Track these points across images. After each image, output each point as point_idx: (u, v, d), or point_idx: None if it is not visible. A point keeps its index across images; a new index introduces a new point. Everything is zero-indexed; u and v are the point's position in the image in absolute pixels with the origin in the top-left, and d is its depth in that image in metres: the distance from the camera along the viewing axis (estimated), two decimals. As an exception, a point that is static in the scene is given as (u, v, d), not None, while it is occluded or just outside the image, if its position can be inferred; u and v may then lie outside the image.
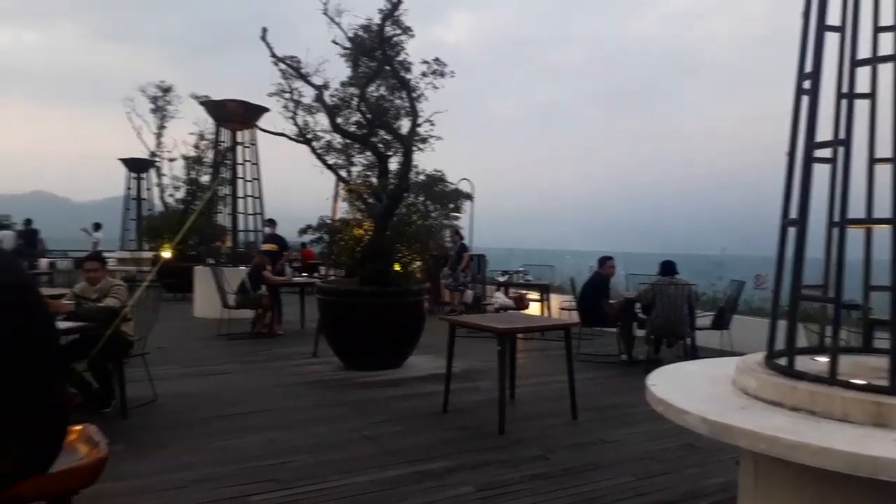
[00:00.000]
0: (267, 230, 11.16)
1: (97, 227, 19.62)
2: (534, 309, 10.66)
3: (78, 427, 1.90)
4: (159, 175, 18.53)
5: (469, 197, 9.23)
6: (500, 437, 4.61)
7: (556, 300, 10.82)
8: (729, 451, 4.12)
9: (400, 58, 7.47)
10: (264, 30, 7.31)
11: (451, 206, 8.38)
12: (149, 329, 5.70)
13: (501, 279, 11.23)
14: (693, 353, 7.25)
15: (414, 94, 7.48)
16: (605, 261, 8.18)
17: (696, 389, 2.27)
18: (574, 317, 8.40)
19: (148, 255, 17.99)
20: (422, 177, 7.84)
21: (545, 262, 13.45)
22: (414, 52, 7.78)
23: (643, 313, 7.72)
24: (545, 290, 10.80)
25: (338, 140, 8.22)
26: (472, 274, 11.47)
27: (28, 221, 19.12)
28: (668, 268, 7.47)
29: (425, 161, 8.06)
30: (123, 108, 18.29)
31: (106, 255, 10.31)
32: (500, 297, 10.16)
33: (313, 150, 7.91)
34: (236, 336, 9.12)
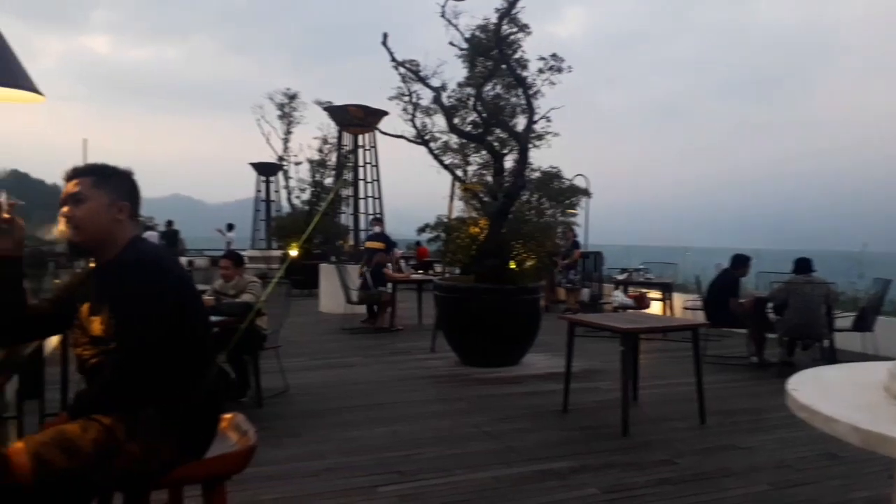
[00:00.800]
0: (377, 228, 11.45)
1: (230, 227, 20.95)
2: (655, 308, 10.32)
3: (228, 415, 2.05)
4: (286, 178, 19.51)
5: (586, 193, 9.06)
6: (624, 439, 4.51)
7: (678, 299, 10.42)
8: (878, 463, 3.82)
9: (516, 56, 7.47)
10: (385, 35, 7.52)
11: (567, 202, 8.26)
12: (281, 323, 6.04)
13: (620, 277, 10.95)
14: (831, 356, 6.77)
15: (530, 91, 7.45)
16: (745, 261, 7.74)
17: (844, 396, 2.12)
18: (700, 317, 8.05)
19: (277, 253, 19.02)
20: (537, 174, 7.79)
21: (666, 259, 12.97)
22: (529, 48, 7.76)
23: (775, 314, 7.28)
24: (667, 289, 10.43)
25: (454, 140, 8.34)
26: (588, 272, 11.25)
27: (169, 223, 20.73)
28: (803, 265, 7.00)
29: (541, 158, 8.02)
30: (253, 116, 19.41)
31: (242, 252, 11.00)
32: (619, 296, 9.91)
33: (431, 150, 8.06)
34: (358, 330, 9.47)
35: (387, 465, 3.95)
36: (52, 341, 5.56)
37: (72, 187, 1.88)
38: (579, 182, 11.90)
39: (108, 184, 1.92)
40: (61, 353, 4.13)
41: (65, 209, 1.86)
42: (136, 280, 1.77)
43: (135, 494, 1.80)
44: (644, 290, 10.41)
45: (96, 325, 1.83)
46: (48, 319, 2.01)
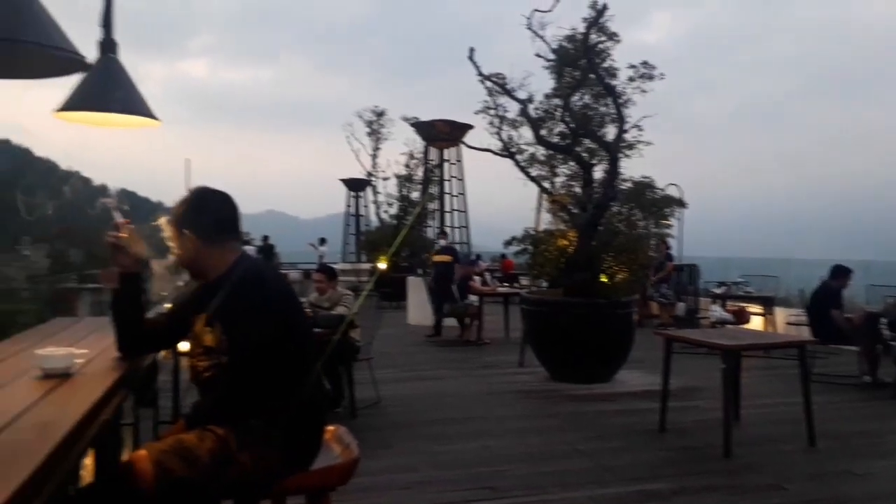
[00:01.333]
0: (443, 242, 11.44)
1: (322, 241, 21.58)
2: (756, 323, 9.84)
3: (331, 427, 2.08)
4: (375, 193, 19.92)
5: (680, 203, 8.77)
6: (727, 461, 4.30)
7: (781, 314, 9.90)
8: None
9: (605, 64, 7.35)
10: (471, 50, 7.57)
11: (660, 213, 8.02)
12: (372, 335, 6.14)
13: (718, 291, 10.51)
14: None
15: (620, 100, 7.30)
16: (845, 272, 7.29)
17: None
18: (805, 332, 7.61)
19: (366, 266, 19.42)
20: (628, 184, 7.60)
21: (767, 272, 12.36)
22: (618, 56, 7.61)
23: (890, 330, 6.79)
24: (769, 303, 9.93)
25: (541, 152, 8.26)
26: (683, 286, 10.87)
27: (265, 238, 21.55)
28: (922, 278, 6.50)
29: (632, 168, 7.81)
30: (343, 133, 19.97)
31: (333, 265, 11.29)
32: (717, 311, 9.50)
33: (517, 163, 8.03)
34: (445, 343, 9.50)
35: (479, 481, 3.92)
36: (163, 352, 5.87)
37: (164, 230, 1.98)
38: (672, 192, 11.56)
39: (192, 217, 2.00)
40: (173, 362, 4.34)
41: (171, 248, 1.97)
42: (242, 297, 1.84)
43: (244, 502, 1.86)
44: (744, 305, 9.95)
45: (209, 338, 1.91)
46: (164, 332, 2.12)
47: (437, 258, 10.36)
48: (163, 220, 1.92)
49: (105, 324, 3.04)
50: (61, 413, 1.27)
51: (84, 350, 1.81)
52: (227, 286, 1.85)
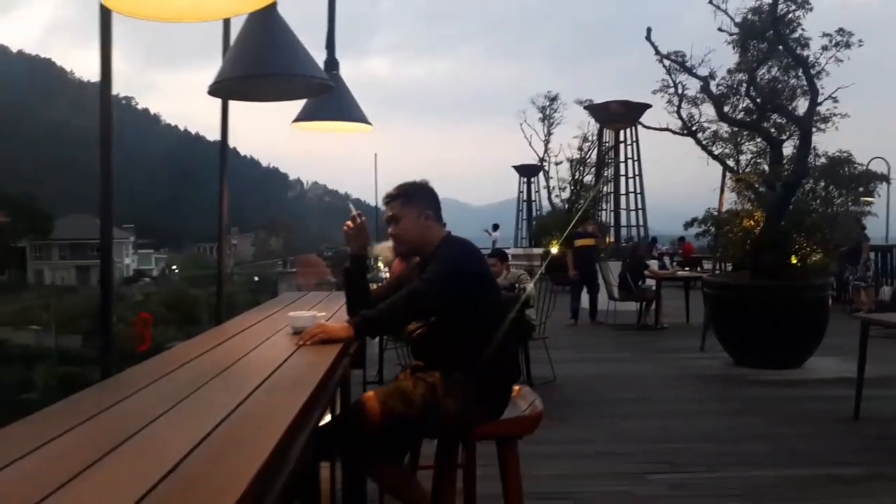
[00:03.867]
0: (589, 228, 11.06)
1: (496, 227, 22.11)
2: (979, 310, 8.74)
3: (517, 387, 2.37)
4: (547, 178, 20.09)
5: (884, 178, 8.02)
6: (930, 452, 4.02)
7: None
8: None
9: (795, 35, 6.92)
10: (648, 30, 7.49)
11: (861, 190, 7.42)
12: (547, 315, 6.37)
13: (931, 273, 9.47)
14: None
15: (813, 71, 6.85)
16: None
17: None
18: None
19: (538, 251, 19.65)
20: (822, 160, 7.12)
21: None
22: (812, 24, 7.10)
23: None
24: None
25: (725, 129, 8.02)
26: (888, 268, 9.90)
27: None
28: None
29: (828, 142, 7.31)
30: (516, 120, 20.30)
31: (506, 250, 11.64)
32: (929, 295, 8.60)
33: (698, 141, 7.83)
34: (622, 327, 9.49)
35: (657, 456, 4.03)
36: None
37: (388, 211, 2.37)
38: (877, 166, 10.53)
39: (414, 200, 2.36)
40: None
41: (389, 230, 2.36)
42: (442, 253, 2.20)
43: (447, 444, 2.20)
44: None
45: (419, 304, 2.27)
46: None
47: (581, 243, 10.19)
48: (396, 205, 2.29)
49: (325, 296, 3.57)
50: (318, 357, 1.66)
51: (322, 313, 2.23)
52: (437, 250, 2.21)
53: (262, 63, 1.59)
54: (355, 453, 2.08)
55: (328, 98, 2.29)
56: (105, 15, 1.48)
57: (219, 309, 2.58)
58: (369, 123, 2.43)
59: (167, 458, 0.90)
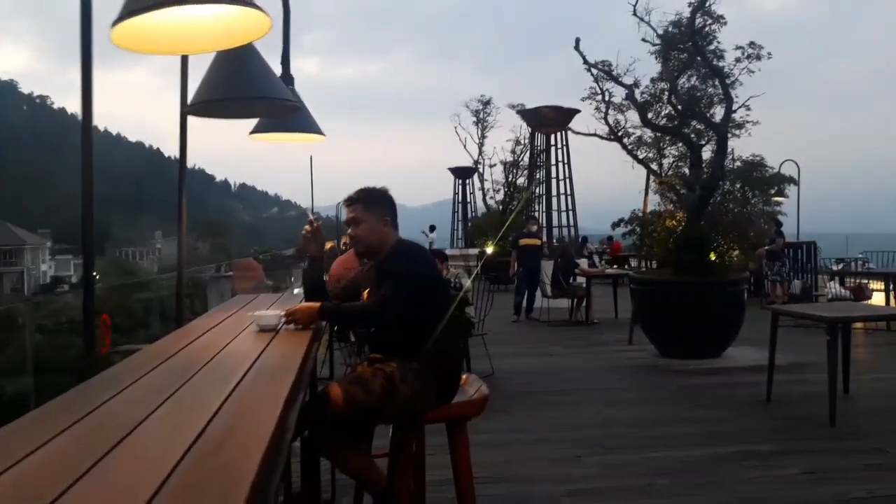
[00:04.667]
0: (533, 228, 11.40)
1: (432, 228, 22.36)
2: (877, 300, 9.52)
3: (464, 375, 2.58)
4: (481, 180, 20.46)
5: (793, 180, 8.66)
6: (832, 429, 4.45)
7: (906, 291, 9.52)
8: None
9: (711, 47, 7.43)
10: (577, 40, 7.84)
11: (773, 191, 8.01)
12: (485, 313, 6.62)
13: (836, 268, 10.24)
14: None
15: (728, 81, 7.37)
16: None
17: None
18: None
19: (474, 251, 20.00)
20: (737, 163, 7.66)
21: (894, 247, 11.81)
22: (729, 32, 7.62)
23: None
24: (892, 279, 9.58)
25: (648, 135, 8.50)
26: (799, 263, 10.63)
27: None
28: None
29: (742, 147, 7.86)
30: (451, 122, 20.59)
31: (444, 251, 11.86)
32: (833, 288, 9.31)
33: (624, 146, 8.26)
34: (556, 323, 9.86)
35: (591, 441, 4.32)
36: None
37: (349, 213, 2.53)
38: (789, 168, 11.28)
39: (374, 205, 2.53)
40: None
41: (349, 231, 2.53)
42: (400, 261, 2.39)
43: (403, 427, 2.39)
44: (864, 281, 9.66)
45: (373, 304, 2.46)
46: (342, 301, 2.70)
47: (525, 242, 10.43)
48: (358, 208, 2.45)
49: (277, 297, 3.69)
50: (291, 351, 1.83)
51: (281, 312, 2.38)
52: (392, 255, 2.40)
53: (239, 87, 1.74)
54: (321, 438, 2.25)
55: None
56: (86, 37, 1.57)
57: (179, 311, 2.68)
58: (323, 134, 2.59)
59: (182, 435, 1.05)
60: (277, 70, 2.37)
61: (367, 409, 2.22)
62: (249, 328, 2.28)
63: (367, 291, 2.52)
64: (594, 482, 3.65)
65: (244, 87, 1.75)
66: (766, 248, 10.42)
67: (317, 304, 2.34)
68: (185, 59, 2.29)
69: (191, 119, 2.36)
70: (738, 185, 7.59)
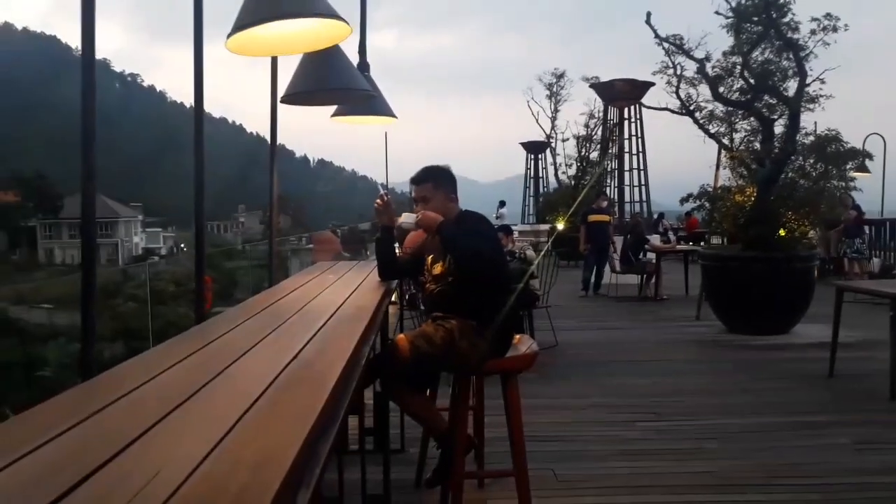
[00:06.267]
0: (604, 203, 11.31)
1: (502, 204, 22.50)
2: (963, 280, 9.17)
3: (517, 335, 2.85)
4: (554, 155, 20.40)
5: (868, 155, 8.41)
6: (890, 403, 4.49)
7: None
8: None
9: (786, 19, 7.28)
10: (648, 14, 7.85)
11: (850, 166, 7.82)
12: (550, 286, 6.83)
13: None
14: None
15: (802, 54, 7.22)
16: None
17: None
18: None
19: (545, 227, 20.08)
20: (811, 138, 7.52)
21: None
22: (804, 5, 7.47)
23: None
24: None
25: (720, 109, 8.37)
26: (881, 241, 10.30)
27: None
28: None
29: (825, 120, 7.68)
30: (523, 96, 20.56)
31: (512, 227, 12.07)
32: (915, 266, 9.01)
33: (696, 120, 8.22)
34: (624, 298, 9.96)
35: (646, 408, 4.52)
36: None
37: (418, 192, 2.80)
38: (874, 143, 10.89)
39: (442, 184, 2.80)
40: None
41: (418, 208, 2.79)
42: (469, 224, 2.65)
43: (461, 377, 2.69)
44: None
45: (438, 268, 2.75)
46: (408, 266, 3.04)
47: (594, 218, 10.52)
48: (427, 187, 2.74)
49: (353, 264, 4.05)
50: (367, 304, 2.15)
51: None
52: (458, 221, 2.67)
53: (326, 79, 2.04)
54: (389, 383, 2.58)
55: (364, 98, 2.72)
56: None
57: (271, 272, 3.05)
58: (395, 116, 2.86)
59: (282, 357, 1.37)
60: (355, 59, 2.67)
61: (430, 358, 2.52)
62: (332, 286, 2.62)
63: (430, 258, 2.81)
64: (644, 444, 3.87)
65: (329, 79, 2.05)
66: (837, 228, 10.14)
67: (439, 218, 2.61)
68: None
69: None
70: (810, 161, 7.45)
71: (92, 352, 1.52)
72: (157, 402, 1.01)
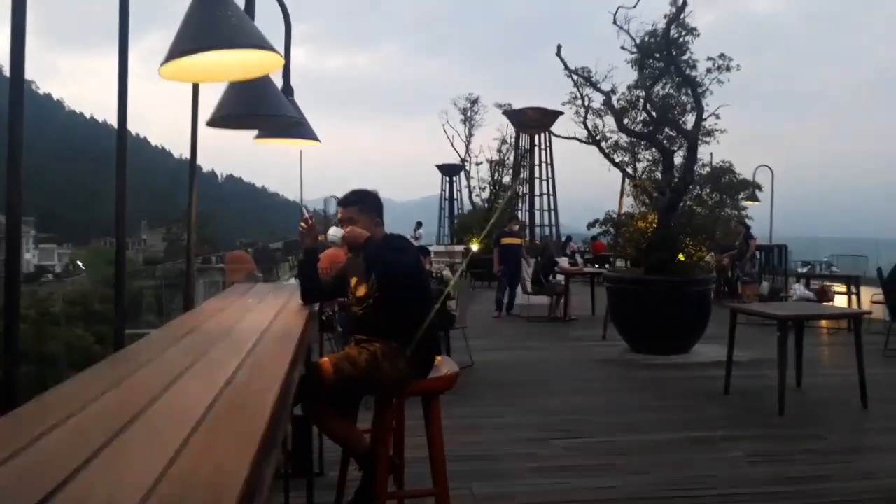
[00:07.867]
0: (515, 227, 11.69)
1: (419, 225, 22.67)
2: (839, 302, 9.99)
3: (438, 357, 2.92)
4: (468, 177, 20.78)
5: (758, 186, 9.09)
6: (779, 418, 4.84)
7: (867, 293, 9.98)
8: None
9: (685, 57, 7.81)
10: (559, 47, 8.22)
11: (742, 195, 8.42)
12: (466, 308, 6.97)
13: (802, 270, 10.70)
14: None
15: (700, 90, 7.75)
16: None
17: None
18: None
19: (459, 248, 20.34)
20: (707, 169, 8.05)
21: (860, 252, 12.31)
22: (713, 31, 8.04)
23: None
24: (854, 282, 10.05)
25: (624, 139, 8.84)
26: (769, 265, 11.09)
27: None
28: None
29: (722, 153, 8.25)
30: (439, 119, 20.88)
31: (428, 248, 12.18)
32: (799, 289, 9.75)
33: (602, 150, 8.64)
34: (535, 319, 10.23)
35: (558, 426, 4.69)
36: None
37: (345, 213, 2.83)
38: (763, 174, 11.73)
39: (368, 207, 2.85)
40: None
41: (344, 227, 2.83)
42: (392, 247, 2.71)
43: (383, 399, 2.72)
44: (828, 284, 10.12)
45: (362, 290, 2.78)
46: (331, 289, 3.06)
47: (507, 241, 10.75)
48: (353, 209, 2.77)
49: (271, 286, 4.01)
50: (293, 325, 2.17)
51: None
52: (392, 244, 2.72)
53: (255, 105, 2.06)
54: (312, 406, 2.59)
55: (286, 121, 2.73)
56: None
57: (187, 295, 2.99)
58: (319, 140, 2.89)
59: (217, 380, 1.38)
60: (278, 81, 2.69)
61: (353, 381, 2.56)
62: (257, 309, 2.61)
63: (354, 280, 2.85)
64: (558, 461, 4.01)
65: (258, 105, 2.07)
66: (727, 253, 10.83)
67: (367, 233, 2.68)
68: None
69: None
70: (707, 190, 7.98)
71: (15, 378, 1.47)
72: (98, 428, 1.01)
